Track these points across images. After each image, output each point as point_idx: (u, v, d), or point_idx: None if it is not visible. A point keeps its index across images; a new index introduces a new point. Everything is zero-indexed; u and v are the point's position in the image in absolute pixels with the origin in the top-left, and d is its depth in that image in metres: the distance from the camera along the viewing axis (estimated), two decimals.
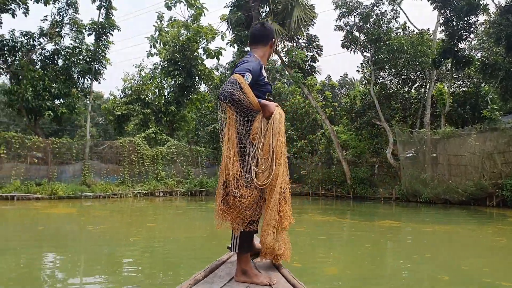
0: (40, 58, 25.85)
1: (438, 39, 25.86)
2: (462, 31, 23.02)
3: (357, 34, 27.96)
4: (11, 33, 24.48)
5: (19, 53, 24.79)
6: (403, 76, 28.43)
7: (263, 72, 2.97)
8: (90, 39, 34.30)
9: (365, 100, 29.05)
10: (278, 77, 41.78)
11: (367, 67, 29.40)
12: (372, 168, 27.80)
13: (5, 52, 24.25)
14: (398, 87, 29.13)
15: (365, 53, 28.44)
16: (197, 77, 31.03)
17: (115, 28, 26.85)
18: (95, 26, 26.34)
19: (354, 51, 28.48)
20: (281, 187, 2.70)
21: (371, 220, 14.34)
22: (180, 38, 29.72)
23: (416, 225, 13.26)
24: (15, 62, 24.45)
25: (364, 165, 27.87)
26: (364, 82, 30.76)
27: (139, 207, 19.55)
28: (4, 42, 24.08)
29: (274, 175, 2.65)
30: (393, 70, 28.07)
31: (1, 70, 24.54)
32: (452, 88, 27.81)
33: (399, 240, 10.61)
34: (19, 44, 24.49)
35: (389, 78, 29.35)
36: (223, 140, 2.80)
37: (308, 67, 36.02)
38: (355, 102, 30.13)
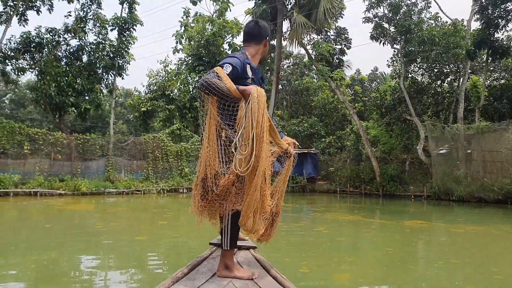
0: (65, 54, 25.92)
1: (472, 29, 24.50)
2: (498, 20, 21.61)
3: (386, 25, 26.87)
4: (37, 29, 24.67)
5: (45, 49, 24.92)
6: (435, 69, 27.09)
7: (248, 71, 2.91)
8: (113, 35, 34.37)
9: (395, 94, 27.90)
10: (306, 72, 40.92)
11: (397, 60, 28.24)
12: (403, 165, 26.71)
13: (32, 48, 24.41)
14: (430, 80, 27.78)
15: (395, 46, 27.34)
16: None
17: (138, 23, 26.68)
18: (118, 21, 26.24)
19: (383, 44, 27.44)
20: (263, 170, 2.55)
21: (398, 220, 13.49)
22: (205, 33, 29.34)
23: (447, 226, 12.32)
24: (42, 59, 24.57)
25: (394, 161, 26.79)
26: (394, 76, 29.57)
27: (159, 204, 19.28)
28: (31, 38, 24.24)
29: (255, 158, 2.47)
30: (424, 63, 26.80)
31: (28, 67, 24.67)
32: (488, 81, 26.32)
33: (426, 243, 9.79)
34: (45, 40, 24.59)
35: (421, 71, 28.05)
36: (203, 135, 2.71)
37: (336, 61, 35.16)
38: (385, 96, 29.02)
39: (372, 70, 48.60)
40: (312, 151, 30.69)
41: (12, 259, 6.86)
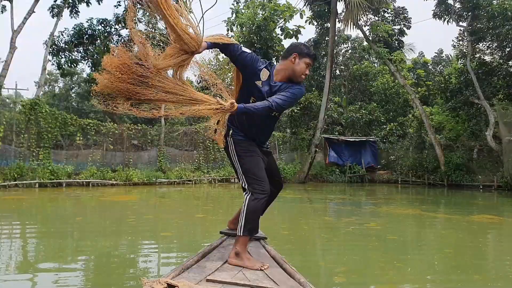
0: (117, 45, 25.96)
1: None
2: None
3: (451, 1, 24.72)
4: (89, 21, 24.85)
5: (98, 41, 25.09)
6: (507, 48, 24.48)
7: (261, 74, 3.10)
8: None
9: (461, 76, 25.59)
10: (366, 56, 39.05)
11: (463, 39, 25.92)
12: (470, 153, 24.60)
13: (85, 40, 24.63)
14: (500, 60, 25.15)
15: (460, 23, 25.11)
16: (274, 59, 29.59)
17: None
18: None
19: (447, 22, 25.30)
20: None
21: (464, 214, 11.93)
22: (256, 19, 28.38)
23: None
24: (94, 50, 24.76)
25: (461, 149, 24.75)
26: (460, 56, 27.22)
27: (205, 194, 18.74)
28: (83, 30, 24.45)
29: None
30: (494, 41, 24.31)
31: (81, 59, 24.98)
32: None
33: (494, 243, 8.37)
34: (97, 32, 24.75)
35: (490, 50, 25.49)
36: None
37: (396, 43, 33.15)
38: (450, 79, 26.81)
39: (436, 53, 45.59)
40: (371, 139, 29.27)
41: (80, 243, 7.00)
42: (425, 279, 5.17)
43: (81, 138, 21.88)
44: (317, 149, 26.43)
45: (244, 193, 3.05)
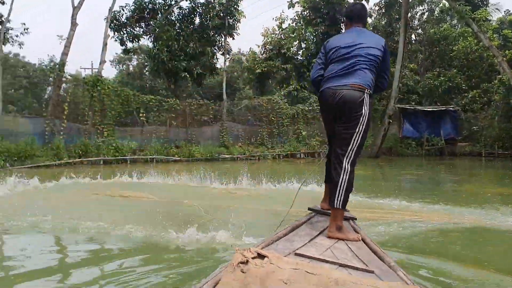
0: (178, 18, 25.40)
1: None
2: None
3: None
4: None
5: (159, 15, 24.63)
6: None
7: None
8: None
9: None
10: (447, 18, 35.76)
11: None
12: None
13: (146, 15, 24.28)
14: None
15: None
16: (342, 24, 27.71)
17: None
18: None
19: None
20: None
21: None
22: None
23: None
24: (156, 25, 24.36)
25: None
26: None
27: (271, 168, 17.71)
28: (144, 4, 24.08)
29: None
30: None
31: (142, 33, 24.71)
32: None
33: None
34: (157, 5, 24.30)
35: None
36: None
37: (479, 0, 29.91)
38: None
39: None
40: (451, 108, 26.75)
41: None
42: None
43: (144, 114, 21.70)
44: (390, 121, 24.50)
45: (340, 166, 2.95)
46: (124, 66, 52.03)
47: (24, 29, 24.84)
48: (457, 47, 31.66)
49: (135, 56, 47.48)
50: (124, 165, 18.86)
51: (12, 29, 24.69)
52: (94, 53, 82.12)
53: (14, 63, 50.10)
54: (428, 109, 26.50)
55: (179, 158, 20.84)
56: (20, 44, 27.52)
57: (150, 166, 18.70)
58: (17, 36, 26.77)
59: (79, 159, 18.55)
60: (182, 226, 5.25)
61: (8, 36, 24.28)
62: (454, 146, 25.85)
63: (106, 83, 20.56)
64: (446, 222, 6.26)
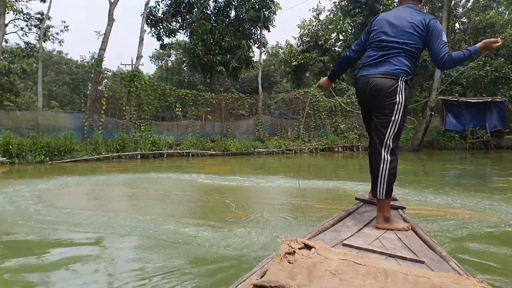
0: (214, 11, 25.28)
1: None
2: None
3: None
4: None
5: (195, 9, 24.58)
6: None
7: None
8: None
9: None
10: (491, 6, 34.15)
11: None
12: None
13: (182, 10, 24.28)
14: None
15: None
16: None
17: None
18: None
19: None
20: None
21: None
22: None
23: None
24: (192, 19, 24.34)
25: None
26: None
27: (307, 163, 17.36)
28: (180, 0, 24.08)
29: None
30: None
31: (179, 28, 24.74)
32: None
33: None
34: (193, 0, 24.23)
35: None
36: None
37: None
38: None
39: None
40: (498, 100, 25.46)
41: None
42: None
43: (180, 109, 21.76)
44: (432, 113, 23.59)
45: (379, 157, 2.92)
46: (163, 61, 52.63)
47: (64, 27, 25.31)
48: (504, 35, 30.19)
49: (174, 52, 47.95)
50: (160, 159, 18.96)
51: (52, 26, 25.21)
52: (134, 49, 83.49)
53: (57, 60, 51.61)
54: (473, 101, 25.36)
55: (214, 152, 20.79)
56: (60, 42, 28.19)
57: (186, 160, 18.76)
58: (57, 34, 27.43)
59: (116, 153, 18.78)
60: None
61: (48, 34, 24.79)
62: (500, 139, 24.63)
63: (143, 78, 20.69)
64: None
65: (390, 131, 2.88)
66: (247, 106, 23.46)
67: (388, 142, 2.89)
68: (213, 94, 23.04)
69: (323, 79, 3.54)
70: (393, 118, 2.87)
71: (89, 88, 28.72)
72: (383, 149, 2.90)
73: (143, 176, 11.67)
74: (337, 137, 23.74)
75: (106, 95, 20.27)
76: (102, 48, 20.33)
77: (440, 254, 2.37)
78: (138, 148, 19.39)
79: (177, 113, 21.66)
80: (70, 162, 17.03)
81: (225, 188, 9.28)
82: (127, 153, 19.09)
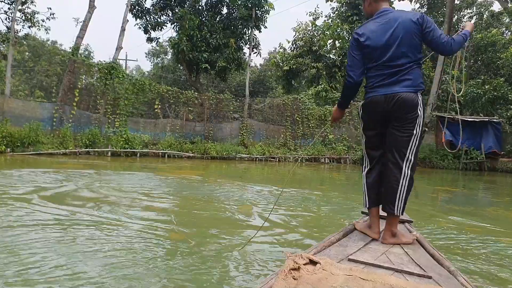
0: (205, 8, 24.14)
1: None
2: None
3: None
4: None
5: (187, 3, 23.46)
6: None
7: None
8: None
9: None
10: (493, 24, 33.27)
11: None
12: None
13: (172, 3, 23.15)
14: None
15: None
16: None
17: None
18: None
19: None
20: None
21: None
22: None
23: None
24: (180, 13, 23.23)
25: None
26: None
27: (267, 173, 16.12)
28: None
29: None
30: None
31: (166, 21, 23.62)
32: None
33: None
34: None
35: None
36: None
37: None
38: None
39: None
40: (494, 120, 24.40)
41: None
42: None
43: (159, 106, 20.54)
44: (426, 129, 22.47)
45: (400, 172, 2.85)
46: (160, 59, 51.59)
47: (50, 14, 24.02)
48: (505, 54, 29.33)
49: (170, 50, 46.80)
50: (133, 158, 17.75)
51: (38, 12, 23.94)
52: (132, 43, 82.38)
53: (50, 50, 50.36)
54: (469, 119, 24.30)
55: (193, 155, 19.61)
56: (47, 29, 26.98)
57: (160, 161, 17.50)
58: (43, 21, 26.16)
59: (85, 149, 17.57)
60: None
61: (34, 20, 23.51)
62: (495, 161, 23.53)
63: (121, 71, 19.51)
64: None
65: (412, 145, 2.86)
66: (231, 108, 22.24)
67: (409, 156, 2.86)
68: (195, 93, 21.83)
69: (335, 113, 3.26)
70: (414, 132, 2.85)
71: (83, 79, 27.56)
72: (404, 164, 2.85)
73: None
74: (324, 148, 22.56)
75: (80, 86, 19.02)
76: (80, 36, 19.13)
77: (448, 269, 2.31)
78: (110, 145, 18.19)
79: (156, 110, 20.44)
80: (33, 155, 15.84)
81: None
82: (96, 149, 17.88)
